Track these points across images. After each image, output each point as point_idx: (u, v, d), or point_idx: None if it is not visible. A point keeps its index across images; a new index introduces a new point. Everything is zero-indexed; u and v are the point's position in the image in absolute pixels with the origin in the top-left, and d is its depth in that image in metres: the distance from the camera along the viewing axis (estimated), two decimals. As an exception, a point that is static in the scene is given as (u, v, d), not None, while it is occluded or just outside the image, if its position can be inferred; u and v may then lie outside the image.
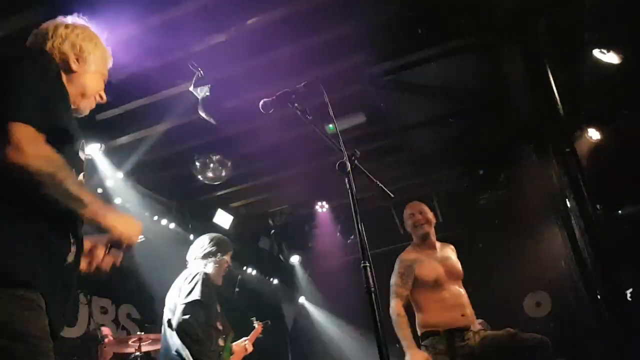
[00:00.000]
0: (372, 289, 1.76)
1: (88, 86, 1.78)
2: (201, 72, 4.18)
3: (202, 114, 4.40)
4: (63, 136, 1.52)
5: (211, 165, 5.39)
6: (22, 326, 1.34)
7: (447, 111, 4.53)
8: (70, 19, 1.80)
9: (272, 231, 7.07)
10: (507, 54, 3.98)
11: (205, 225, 6.11)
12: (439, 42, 3.81)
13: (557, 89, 3.46)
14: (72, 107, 1.72)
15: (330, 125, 4.70)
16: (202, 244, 3.79)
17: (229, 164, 5.46)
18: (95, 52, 1.80)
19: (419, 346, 3.61)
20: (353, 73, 4.46)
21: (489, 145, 5.34)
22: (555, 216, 4.59)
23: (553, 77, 3.51)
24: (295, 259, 7.27)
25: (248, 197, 6.81)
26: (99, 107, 1.98)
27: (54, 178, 1.40)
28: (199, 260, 3.71)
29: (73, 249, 1.56)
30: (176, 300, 3.50)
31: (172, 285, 3.66)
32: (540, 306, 7.40)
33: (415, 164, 5.28)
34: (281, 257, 7.15)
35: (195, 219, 6.07)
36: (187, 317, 3.38)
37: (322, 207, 6.30)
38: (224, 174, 5.46)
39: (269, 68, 4.40)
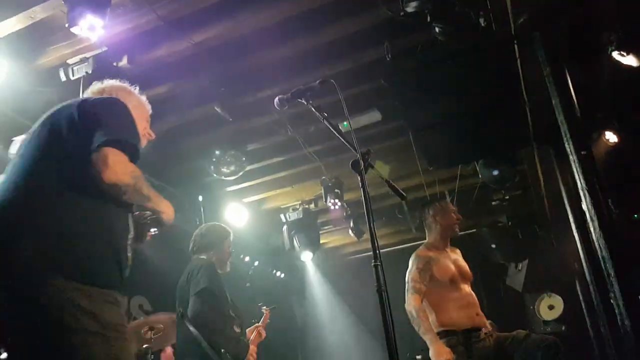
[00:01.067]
0: (383, 288, 1.77)
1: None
2: (216, 67, 4.20)
3: (218, 109, 4.42)
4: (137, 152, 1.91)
5: (226, 160, 5.41)
6: (109, 317, 1.71)
7: (463, 110, 4.49)
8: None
9: (285, 227, 7.08)
10: (524, 53, 3.95)
11: (218, 219, 6.14)
12: (457, 40, 3.79)
13: (574, 90, 3.42)
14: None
15: (345, 123, 4.72)
16: (199, 236, 3.85)
17: (243, 158, 5.48)
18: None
19: None
20: (369, 69, 4.46)
21: (504, 145, 5.29)
22: (570, 218, 4.55)
23: (571, 78, 3.47)
24: (307, 255, 7.27)
25: (261, 193, 6.83)
26: None
27: (135, 187, 1.82)
28: (201, 252, 3.76)
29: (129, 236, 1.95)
30: (185, 294, 3.53)
31: (180, 279, 3.69)
32: (552, 309, 7.35)
33: (429, 163, 5.25)
34: (293, 253, 7.16)
35: (208, 213, 6.10)
36: (199, 306, 3.41)
37: (334, 204, 6.29)
38: (238, 168, 5.48)
39: (284, 63, 4.41)
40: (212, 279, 3.50)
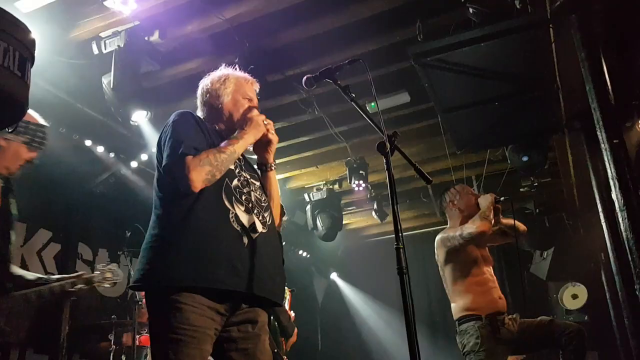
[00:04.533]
0: (405, 270, 1.77)
1: None
2: (246, 44, 4.20)
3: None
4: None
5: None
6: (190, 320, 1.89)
7: (493, 94, 4.42)
8: None
9: (308, 206, 7.11)
10: (559, 37, 3.85)
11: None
12: (489, 22, 3.72)
13: (609, 76, 3.33)
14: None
15: (372, 104, 4.69)
16: None
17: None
18: None
19: (456, 331, 3.62)
20: (399, 49, 4.40)
21: (535, 131, 5.20)
22: (599, 208, 4.46)
23: (606, 63, 3.38)
24: (329, 235, 7.31)
25: (286, 172, 6.86)
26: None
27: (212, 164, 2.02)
28: None
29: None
30: None
31: None
32: (576, 298, 7.27)
33: (458, 147, 5.19)
34: (315, 232, 7.20)
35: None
36: None
37: (359, 186, 6.29)
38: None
39: (314, 41, 4.39)
40: None
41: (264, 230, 2.13)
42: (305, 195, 7.16)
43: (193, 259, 1.93)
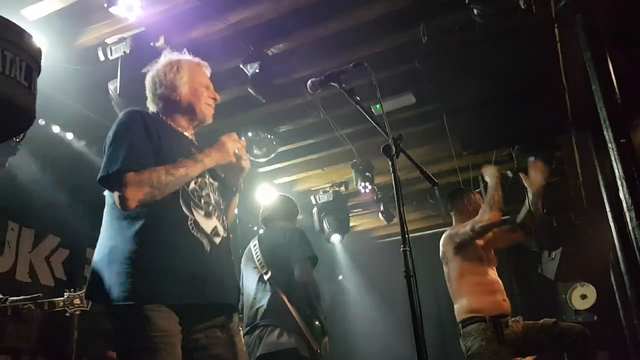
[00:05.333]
0: (411, 273, 1.77)
1: None
2: (251, 48, 4.21)
3: (251, 91, 4.44)
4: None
5: (258, 141, 5.45)
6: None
7: (498, 94, 4.41)
8: None
9: (315, 209, 7.11)
10: (565, 37, 3.84)
11: (249, 200, 6.21)
12: (495, 22, 3.71)
13: (615, 75, 3.31)
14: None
15: (377, 105, 4.69)
16: (279, 204, 3.90)
17: (275, 140, 5.51)
18: None
19: (459, 334, 3.62)
20: (404, 51, 4.40)
21: (542, 131, 5.17)
22: (607, 207, 4.44)
23: (612, 63, 3.36)
24: (335, 238, 7.30)
25: (292, 174, 6.87)
26: None
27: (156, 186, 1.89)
28: (281, 220, 3.81)
29: None
30: (276, 259, 3.55)
31: (255, 244, 3.72)
32: (585, 298, 7.23)
33: (463, 148, 5.18)
34: (322, 235, 7.19)
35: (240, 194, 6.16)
36: (310, 271, 3.46)
37: (365, 188, 6.28)
38: (269, 150, 5.51)
39: (318, 45, 4.39)
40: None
41: (224, 235, 2.06)
42: (312, 198, 7.16)
43: (152, 275, 1.84)
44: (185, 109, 2.20)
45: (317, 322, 3.46)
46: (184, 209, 1.96)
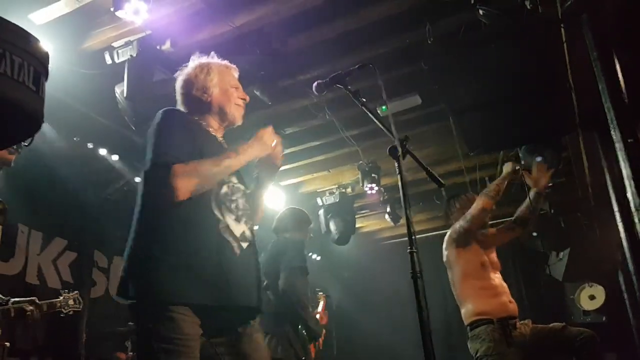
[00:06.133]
0: (418, 274, 1.77)
1: None
2: (257, 51, 4.22)
3: (257, 93, 4.45)
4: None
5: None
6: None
7: (504, 95, 4.40)
8: None
9: (321, 210, 7.12)
10: (571, 37, 3.82)
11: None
12: (501, 23, 3.70)
13: (622, 75, 3.30)
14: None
15: (384, 107, 4.68)
16: (289, 216, 3.99)
17: (281, 142, 5.51)
18: None
19: (468, 336, 3.61)
20: (409, 52, 4.40)
21: (549, 131, 5.15)
22: (614, 207, 4.41)
23: (619, 62, 3.34)
24: (342, 239, 7.30)
25: (298, 176, 6.87)
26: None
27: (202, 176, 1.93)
28: (294, 231, 3.90)
29: None
30: (273, 268, 3.66)
31: (263, 255, 3.81)
32: (594, 299, 7.19)
33: (470, 148, 5.16)
34: (329, 237, 7.19)
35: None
36: (293, 280, 3.60)
37: (371, 189, 6.28)
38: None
39: (324, 46, 4.40)
40: (305, 259, 3.67)
41: (251, 240, 2.08)
42: (318, 200, 7.16)
43: (181, 276, 1.85)
44: (216, 110, 2.27)
45: (303, 331, 3.54)
46: (216, 212, 1.98)
